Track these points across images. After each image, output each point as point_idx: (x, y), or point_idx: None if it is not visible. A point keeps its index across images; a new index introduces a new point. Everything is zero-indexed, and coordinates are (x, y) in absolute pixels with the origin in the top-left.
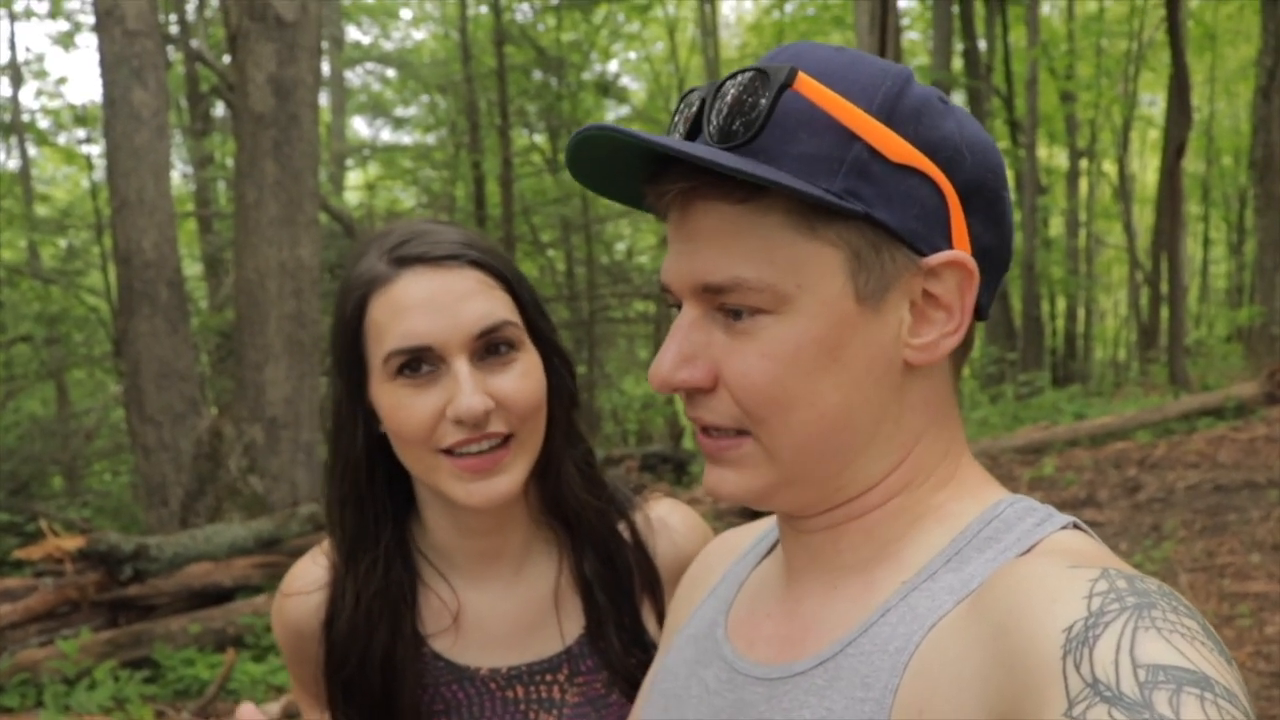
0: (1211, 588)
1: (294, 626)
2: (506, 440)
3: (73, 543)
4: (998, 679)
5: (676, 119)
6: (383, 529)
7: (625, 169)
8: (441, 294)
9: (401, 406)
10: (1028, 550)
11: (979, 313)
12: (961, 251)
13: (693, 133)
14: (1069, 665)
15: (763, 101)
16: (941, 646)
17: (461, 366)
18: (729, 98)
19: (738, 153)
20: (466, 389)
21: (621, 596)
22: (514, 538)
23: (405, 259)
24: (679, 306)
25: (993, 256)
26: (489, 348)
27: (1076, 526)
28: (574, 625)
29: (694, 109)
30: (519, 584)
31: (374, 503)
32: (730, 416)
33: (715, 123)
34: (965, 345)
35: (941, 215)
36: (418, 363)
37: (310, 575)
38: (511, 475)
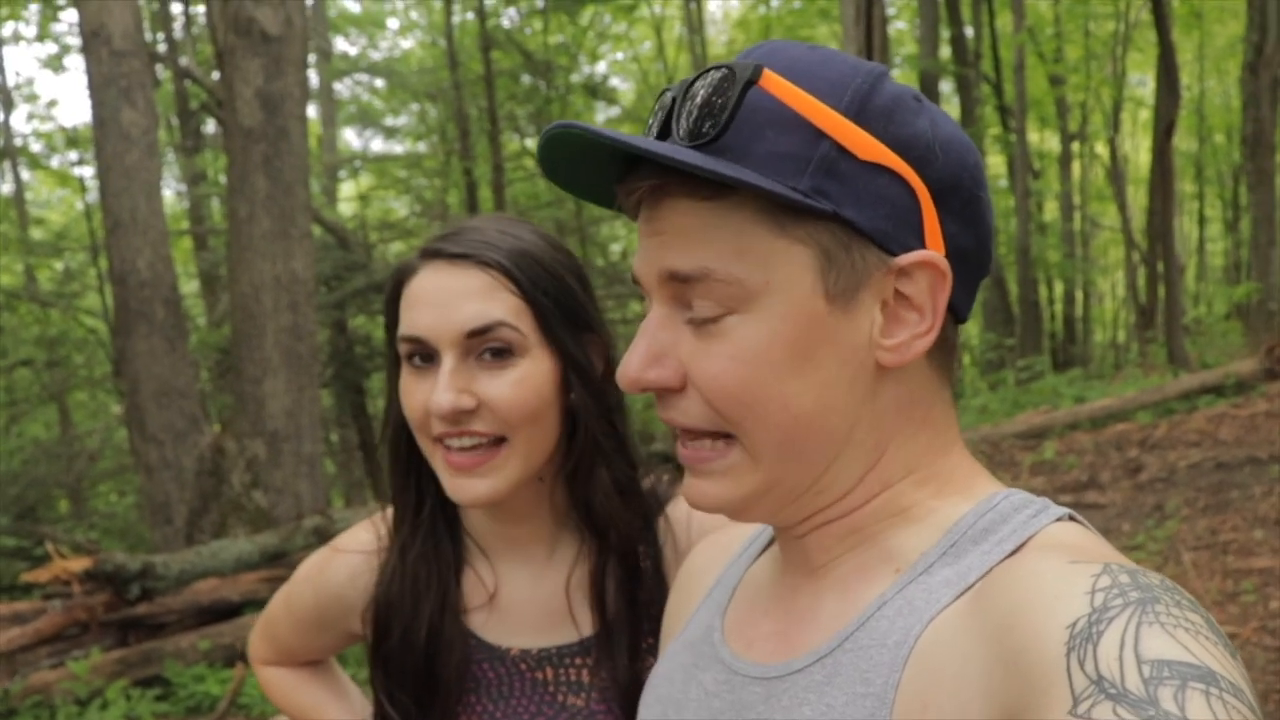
0: (1215, 565)
1: (335, 585)
2: (500, 442)
3: (79, 564)
4: (1001, 676)
5: (651, 120)
6: (425, 498)
7: (597, 167)
8: (443, 290)
9: (406, 391)
10: (1024, 543)
11: (956, 315)
12: (932, 251)
13: (664, 132)
14: (1073, 662)
15: (730, 99)
16: (942, 641)
17: (447, 363)
18: (699, 97)
19: (705, 151)
20: (441, 385)
21: (637, 614)
22: (542, 529)
23: (429, 252)
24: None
25: (970, 258)
26: (488, 349)
27: (1072, 518)
28: (589, 619)
29: (666, 109)
30: (550, 569)
31: (414, 471)
32: (703, 418)
33: (685, 122)
34: (947, 347)
35: (913, 215)
36: (424, 353)
37: (365, 538)
38: (496, 480)
